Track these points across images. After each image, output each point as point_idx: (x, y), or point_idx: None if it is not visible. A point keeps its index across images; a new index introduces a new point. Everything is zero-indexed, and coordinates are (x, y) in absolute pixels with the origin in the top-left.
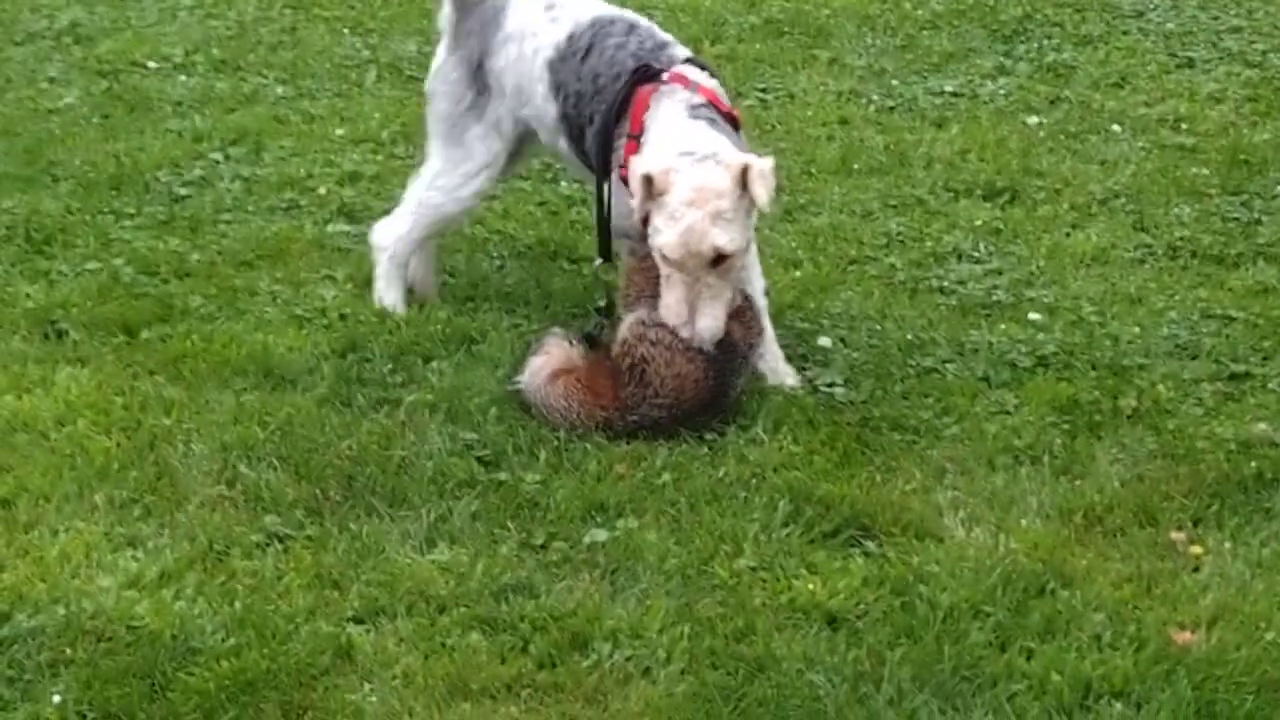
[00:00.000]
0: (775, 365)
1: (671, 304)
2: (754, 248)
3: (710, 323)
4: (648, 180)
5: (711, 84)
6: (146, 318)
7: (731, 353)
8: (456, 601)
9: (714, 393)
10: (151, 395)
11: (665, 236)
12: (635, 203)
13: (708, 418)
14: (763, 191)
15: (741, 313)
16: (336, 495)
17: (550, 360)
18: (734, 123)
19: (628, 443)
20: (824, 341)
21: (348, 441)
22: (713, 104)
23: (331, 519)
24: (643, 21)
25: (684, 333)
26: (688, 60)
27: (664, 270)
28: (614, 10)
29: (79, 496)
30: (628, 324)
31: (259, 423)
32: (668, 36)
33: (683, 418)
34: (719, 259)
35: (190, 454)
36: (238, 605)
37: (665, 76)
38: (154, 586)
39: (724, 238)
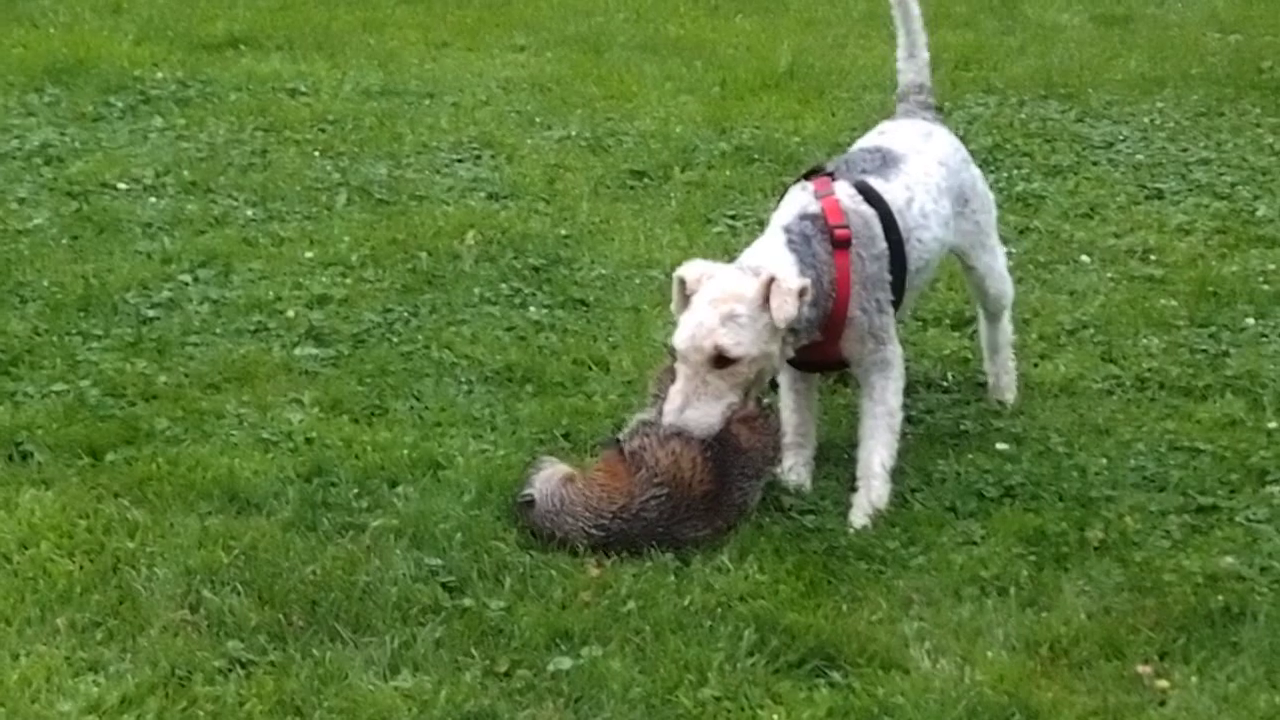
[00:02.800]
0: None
1: (670, 394)
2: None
3: (697, 414)
4: (681, 282)
5: (841, 196)
6: (112, 440)
7: (735, 452)
8: None
9: (716, 481)
10: (116, 518)
11: (677, 330)
12: (673, 305)
13: (716, 515)
14: (779, 305)
15: (752, 419)
16: (300, 621)
17: (558, 469)
18: (836, 241)
19: (597, 567)
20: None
21: (312, 566)
22: (824, 216)
23: (294, 645)
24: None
25: (668, 418)
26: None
27: (676, 365)
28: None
29: (41, 620)
30: (633, 423)
31: (223, 547)
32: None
33: (690, 505)
34: (722, 360)
35: (154, 578)
36: None
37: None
38: (115, 712)
39: (729, 339)
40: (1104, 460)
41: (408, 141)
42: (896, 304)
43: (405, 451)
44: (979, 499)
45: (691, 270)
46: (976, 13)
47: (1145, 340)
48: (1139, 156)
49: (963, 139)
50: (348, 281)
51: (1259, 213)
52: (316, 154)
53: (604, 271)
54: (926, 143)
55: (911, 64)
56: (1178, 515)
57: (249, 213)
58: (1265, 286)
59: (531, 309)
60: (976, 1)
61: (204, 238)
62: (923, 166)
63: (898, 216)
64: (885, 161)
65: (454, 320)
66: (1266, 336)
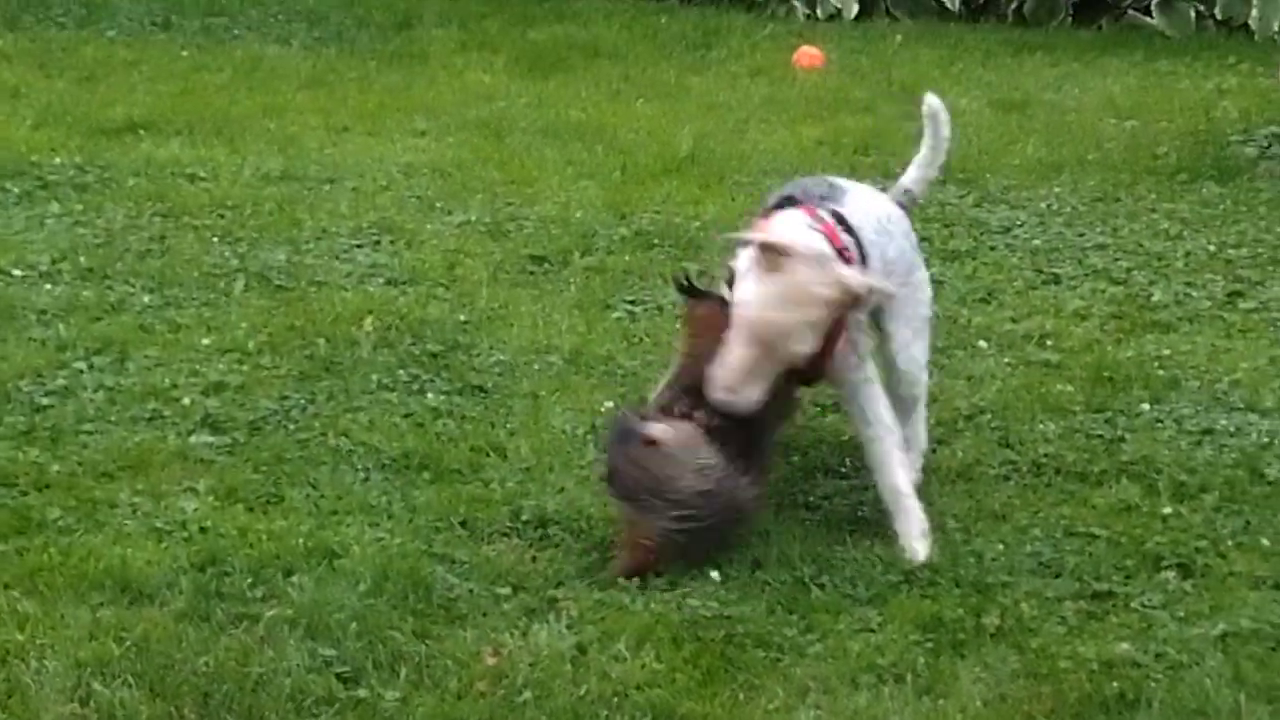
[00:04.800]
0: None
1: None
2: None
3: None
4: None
5: (832, 222)
6: (3, 530)
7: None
8: None
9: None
10: (5, 610)
11: None
12: None
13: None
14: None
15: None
16: (192, 714)
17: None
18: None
19: (493, 656)
20: (713, 574)
21: (205, 658)
22: (830, 239)
23: None
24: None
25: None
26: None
27: None
28: None
29: None
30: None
31: (115, 638)
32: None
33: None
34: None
35: (43, 670)
36: None
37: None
38: None
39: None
40: (1000, 546)
41: (307, 227)
42: None
43: (300, 540)
44: (877, 586)
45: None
46: (875, 98)
47: (1042, 425)
48: (1036, 241)
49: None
50: (244, 368)
51: (1154, 298)
52: (215, 239)
53: (503, 357)
54: (874, 196)
55: (922, 171)
56: (1073, 601)
57: (146, 299)
58: (1160, 372)
59: (429, 395)
60: (875, 87)
61: (100, 325)
62: (865, 202)
63: (866, 244)
64: (833, 189)
65: (351, 407)
66: (1161, 422)
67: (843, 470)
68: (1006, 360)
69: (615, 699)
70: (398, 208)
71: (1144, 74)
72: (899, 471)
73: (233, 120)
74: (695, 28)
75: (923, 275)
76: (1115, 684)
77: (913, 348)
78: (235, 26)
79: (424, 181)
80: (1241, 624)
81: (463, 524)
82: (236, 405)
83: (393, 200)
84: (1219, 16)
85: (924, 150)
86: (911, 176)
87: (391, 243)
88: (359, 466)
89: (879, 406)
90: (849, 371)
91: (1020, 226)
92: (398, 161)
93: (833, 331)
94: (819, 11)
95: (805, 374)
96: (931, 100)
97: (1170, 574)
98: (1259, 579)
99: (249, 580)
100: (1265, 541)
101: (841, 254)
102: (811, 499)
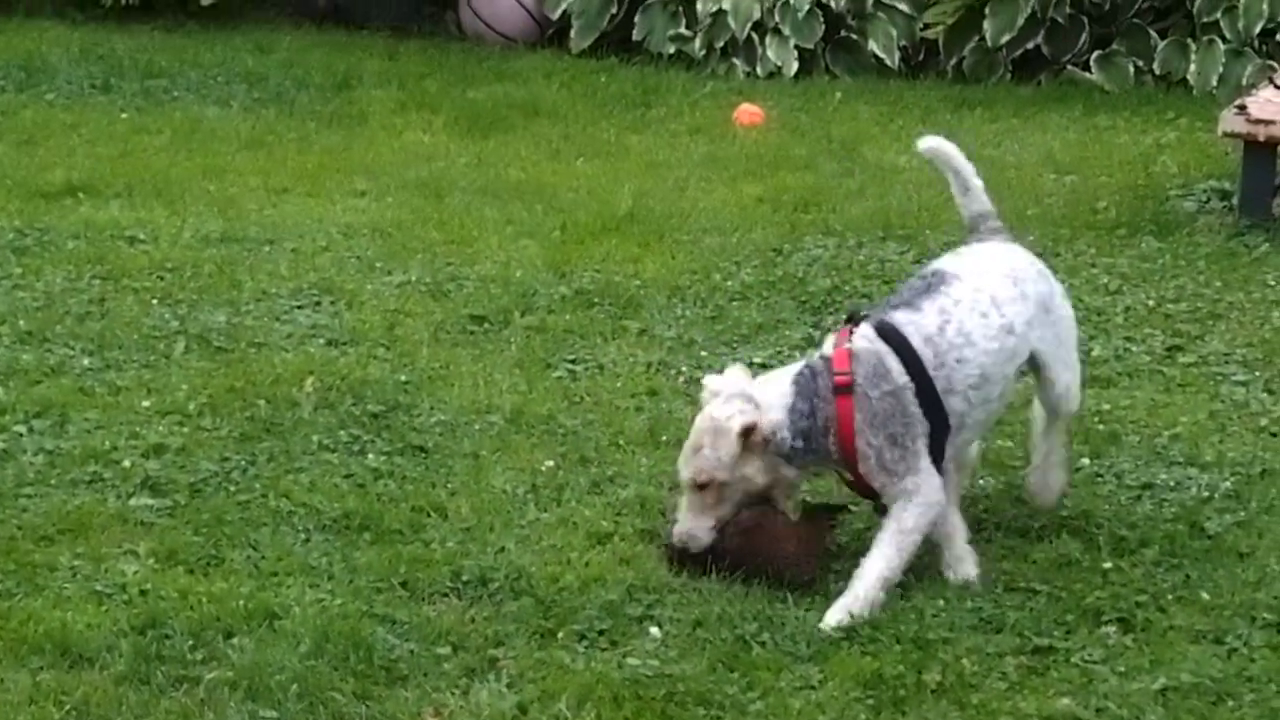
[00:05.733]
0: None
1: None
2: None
3: (685, 528)
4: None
5: (856, 340)
6: None
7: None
8: None
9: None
10: None
11: None
12: None
13: None
14: (713, 444)
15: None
16: None
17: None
18: (837, 387)
19: (434, 716)
20: (654, 631)
21: None
22: (832, 361)
23: None
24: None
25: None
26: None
27: None
28: None
29: None
30: None
31: (54, 702)
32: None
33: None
34: (696, 485)
35: None
36: None
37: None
38: None
39: (689, 471)
40: (941, 602)
41: (247, 288)
42: (942, 427)
43: (241, 602)
44: (818, 642)
45: (712, 383)
46: (816, 155)
47: (982, 481)
48: None
49: (801, 280)
50: (185, 430)
51: (1094, 353)
52: (154, 302)
53: (443, 417)
54: (991, 261)
55: (969, 197)
56: (1014, 657)
57: (85, 362)
58: (1100, 427)
59: (370, 456)
60: (816, 144)
61: (39, 388)
62: (974, 284)
63: (924, 346)
64: (929, 287)
65: (292, 468)
66: (1101, 476)
67: None
68: None
69: None
70: (338, 268)
71: (1083, 129)
72: (879, 562)
73: (172, 182)
74: (635, 86)
75: (1065, 301)
76: None
77: (1068, 379)
78: (174, 88)
79: (364, 242)
80: (1182, 678)
81: (403, 584)
82: (177, 467)
83: (333, 261)
84: (1157, 71)
85: (950, 179)
86: (970, 207)
87: (332, 303)
88: (300, 528)
89: (905, 513)
90: (885, 487)
91: None
92: (337, 222)
93: (848, 457)
94: (759, 69)
95: (867, 492)
96: (927, 143)
97: (1111, 629)
98: (1199, 633)
99: (189, 643)
100: (1205, 595)
101: (834, 378)
102: None
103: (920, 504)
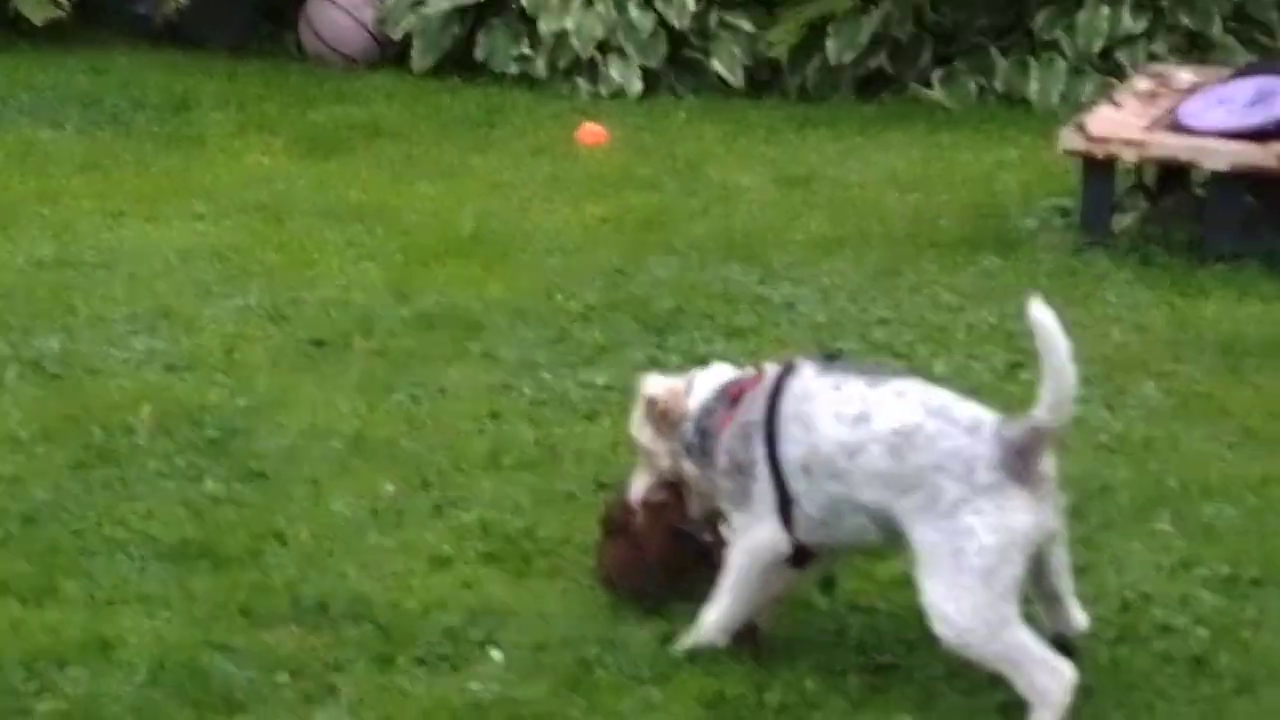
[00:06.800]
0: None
1: None
2: None
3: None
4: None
5: (769, 371)
6: None
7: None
8: None
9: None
10: None
11: None
12: None
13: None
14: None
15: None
16: None
17: None
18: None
19: None
20: (496, 655)
21: None
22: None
23: None
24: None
25: None
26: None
27: None
28: None
29: None
30: None
31: None
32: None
33: None
34: None
35: None
36: None
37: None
38: None
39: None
40: (785, 621)
41: (82, 314)
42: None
43: (75, 632)
44: (661, 664)
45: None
46: (660, 174)
47: None
48: (819, 317)
49: (644, 301)
50: (17, 458)
51: (936, 369)
52: None
53: (283, 442)
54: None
55: (1047, 409)
56: (857, 674)
57: None
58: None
59: (208, 482)
60: (660, 164)
61: None
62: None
63: (785, 397)
64: (880, 366)
65: (128, 496)
66: None
67: None
68: None
69: None
70: (175, 293)
71: (926, 147)
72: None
73: (4, 206)
74: (478, 106)
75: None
76: None
77: (944, 604)
78: (6, 110)
79: (202, 265)
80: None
81: (242, 612)
82: (9, 496)
83: (170, 285)
84: (1000, 90)
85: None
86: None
87: (169, 328)
88: (136, 556)
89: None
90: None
91: (803, 302)
92: (175, 246)
93: None
94: (602, 89)
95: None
96: (1035, 313)
97: None
98: None
99: (22, 674)
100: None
101: (730, 387)
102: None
103: (738, 561)
